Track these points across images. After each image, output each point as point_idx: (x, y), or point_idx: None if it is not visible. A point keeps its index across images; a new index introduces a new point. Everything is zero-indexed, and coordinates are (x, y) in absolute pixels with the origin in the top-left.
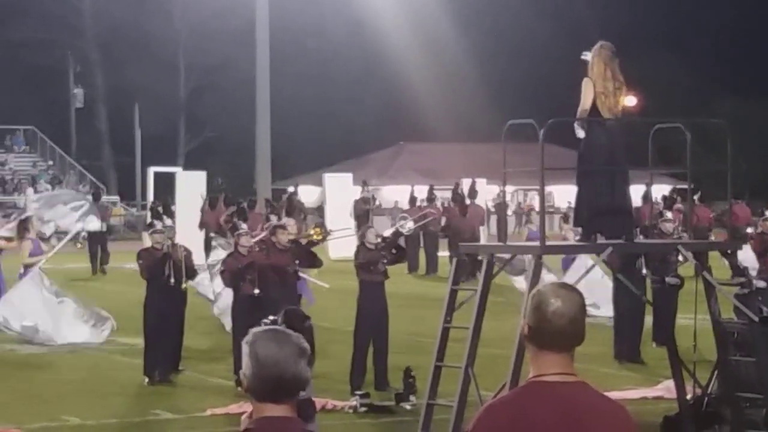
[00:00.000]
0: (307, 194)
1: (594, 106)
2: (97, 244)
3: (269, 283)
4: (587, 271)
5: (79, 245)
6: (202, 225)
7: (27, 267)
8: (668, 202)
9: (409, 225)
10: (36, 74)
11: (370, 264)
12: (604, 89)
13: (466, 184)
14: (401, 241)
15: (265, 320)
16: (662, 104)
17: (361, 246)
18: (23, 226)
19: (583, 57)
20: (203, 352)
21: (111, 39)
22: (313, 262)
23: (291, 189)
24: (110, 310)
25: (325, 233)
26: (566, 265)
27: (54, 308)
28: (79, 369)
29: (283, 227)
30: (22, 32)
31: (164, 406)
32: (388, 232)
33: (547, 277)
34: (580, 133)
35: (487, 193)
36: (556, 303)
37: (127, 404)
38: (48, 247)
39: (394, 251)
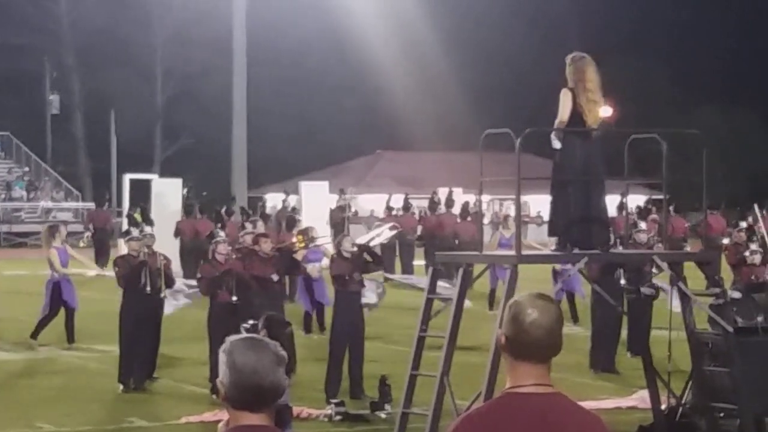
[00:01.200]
0: (290, 202)
1: (572, 117)
2: (101, 244)
3: (250, 291)
4: (569, 274)
5: (82, 244)
6: (177, 233)
7: (63, 275)
8: (643, 212)
9: (385, 234)
10: (12, 80)
11: (345, 275)
12: (597, 98)
13: (442, 193)
14: (378, 250)
15: (245, 325)
16: (639, 113)
17: (337, 256)
18: (50, 233)
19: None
20: (178, 360)
21: (88, 45)
22: (296, 269)
23: (273, 195)
24: (86, 317)
25: (308, 240)
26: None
27: None
28: (54, 376)
29: (266, 236)
30: None
31: (139, 414)
32: (364, 240)
33: None
34: (557, 144)
35: (462, 202)
36: (534, 314)
37: (101, 411)
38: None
39: (370, 259)
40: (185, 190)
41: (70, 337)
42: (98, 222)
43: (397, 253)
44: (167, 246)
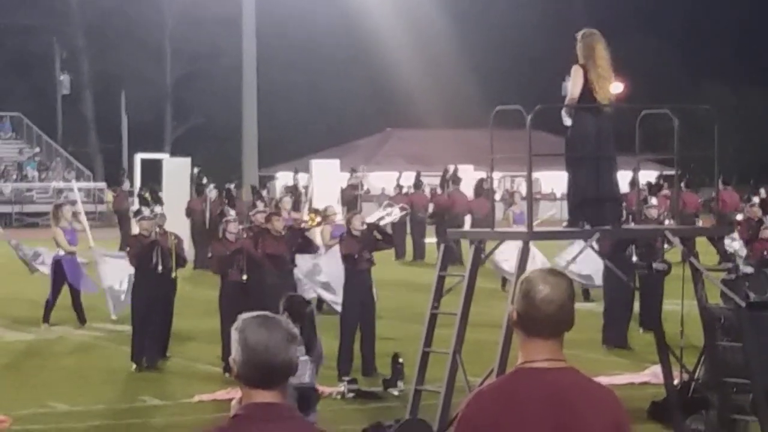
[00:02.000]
0: (300, 180)
1: (583, 93)
2: (125, 226)
3: (262, 270)
4: (581, 251)
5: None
6: (189, 212)
7: (70, 254)
8: (654, 188)
9: (395, 213)
10: (22, 60)
11: (354, 253)
12: (607, 74)
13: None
14: (388, 228)
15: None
16: (650, 90)
17: (348, 234)
18: (54, 214)
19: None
20: (191, 339)
21: (98, 25)
22: (309, 247)
23: (284, 174)
24: (98, 297)
25: (320, 219)
26: None
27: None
28: (67, 355)
29: (278, 214)
30: (9, 18)
31: (152, 393)
32: (373, 218)
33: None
34: (567, 121)
35: (473, 179)
36: (545, 290)
37: (114, 390)
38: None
39: (380, 238)
40: (196, 170)
41: (81, 318)
42: (118, 203)
43: (408, 230)
44: (177, 225)
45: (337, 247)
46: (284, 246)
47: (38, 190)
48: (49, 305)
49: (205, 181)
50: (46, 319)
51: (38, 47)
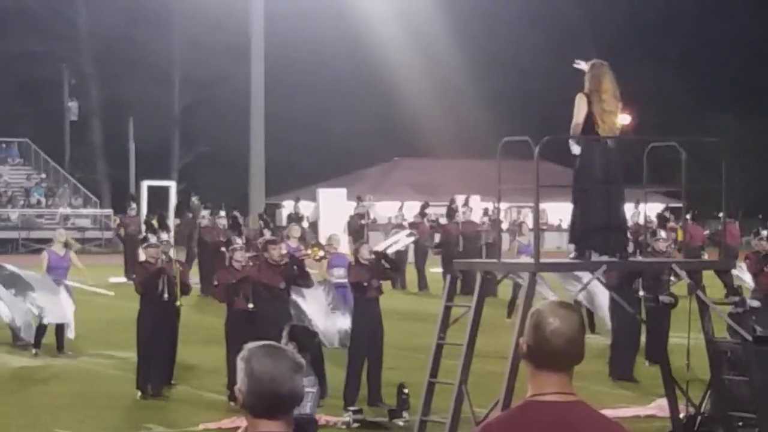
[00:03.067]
0: (301, 209)
1: (587, 120)
2: (132, 250)
3: (262, 299)
4: (587, 283)
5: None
6: (200, 242)
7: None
8: (662, 220)
9: (403, 241)
10: (31, 86)
11: (363, 282)
12: (612, 108)
13: (461, 201)
14: (393, 257)
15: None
16: (656, 120)
17: (355, 263)
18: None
19: (576, 65)
20: (196, 367)
21: (106, 52)
22: (305, 281)
23: (291, 203)
24: (104, 324)
25: (323, 256)
26: None
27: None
28: (72, 382)
29: (275, 242)
30: (17, 44)
31: (157, 420)
32: (381, 247)
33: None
34: (575, 149)
35: (480, 210)
36: (555, 322)
37: (119, 418)
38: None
39: (387, 266)
40: (195, 199)
41: (58, 345)
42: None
43: (412, 260)
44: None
45: (318, 289)
46: (280, 275)
47: (45, 216)
48: (38, 331)
49: (223, 210)
50: (36, 344)
51: (47, 74)
